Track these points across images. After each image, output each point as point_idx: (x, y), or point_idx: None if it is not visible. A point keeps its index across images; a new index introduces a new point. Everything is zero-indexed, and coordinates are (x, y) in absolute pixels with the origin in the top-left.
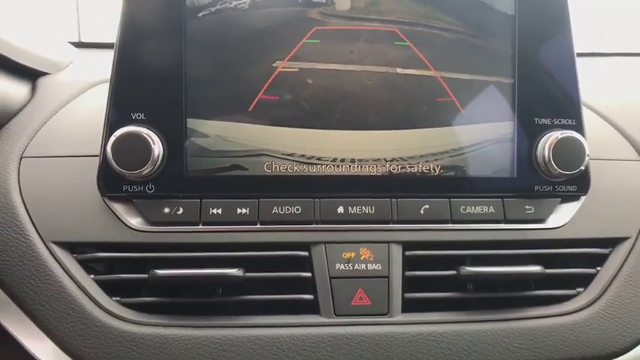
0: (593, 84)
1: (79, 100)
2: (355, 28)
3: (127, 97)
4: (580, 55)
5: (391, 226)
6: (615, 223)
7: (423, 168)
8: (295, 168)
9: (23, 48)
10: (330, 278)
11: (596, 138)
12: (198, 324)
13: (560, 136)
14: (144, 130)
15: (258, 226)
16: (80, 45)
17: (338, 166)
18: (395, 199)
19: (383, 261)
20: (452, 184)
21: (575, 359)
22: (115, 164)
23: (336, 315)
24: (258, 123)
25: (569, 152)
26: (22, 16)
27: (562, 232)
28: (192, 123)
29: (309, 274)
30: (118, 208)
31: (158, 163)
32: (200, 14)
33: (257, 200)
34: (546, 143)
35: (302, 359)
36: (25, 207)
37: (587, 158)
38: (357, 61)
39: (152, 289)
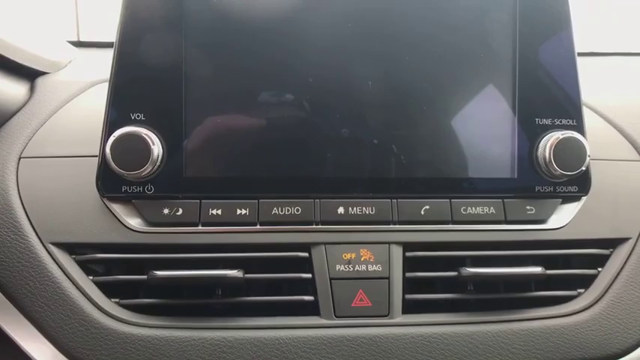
0: (593, 83)
1: (78, 100)
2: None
3: (127, 97)
4: (580, 54)
5: (391, 226)
6: (616, 223)
7: (424, 168)
8: (296, 168)
9: (22, 47)
10: (331, 279)
11: (596, 138)
12: (197, 325)
13: (561, 137)
14: (143, 131)
15: (258, 226)
16: (79, 44)
17: (338, 167)
18: (395, 200)
19: (383, 262)
20: (452, 184)
21: None
22: (114, 165)
23: (337, 316)
24: (258, 122)
25: (570, 153)
26: (21, 15)
27: (563, 233)
28: (192, 123)
29: (309, 276)
30: (117, 208)
31: (157, 163)
32: (199, 15)
33: (257, 201)
34: (547, 143)
35: None
36: (24, 208)
37: (588, 159)
38: (359, 58)
39: (151, 291)
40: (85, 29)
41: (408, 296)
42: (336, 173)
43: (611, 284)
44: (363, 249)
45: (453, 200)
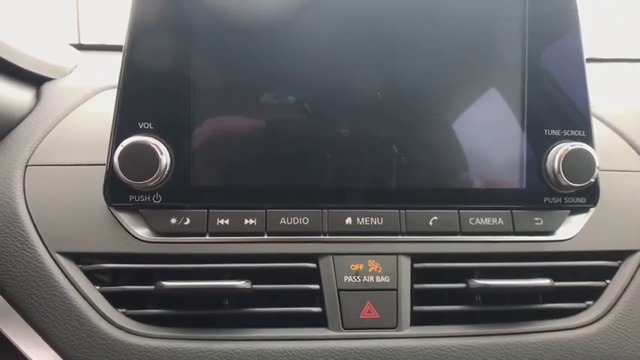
0: (599, 91)
1: (85, 106)
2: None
3: (135, 106)
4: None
5: (399, 237)
6: (625, 235)
7: (432, 179)
8: (303, 178)
9: (27, 53)
10: (339, 290)
11: (604, 148)
12: (204, 337)
13: (570, 148)
14: (151, 140)
15: (266, 237)
16: (80, 47)
17: (346, 177)
18: (403, 211)
19: (391, 273)
20: (461, 195)
21: None
22: (121, 174)
23: (345, 328)
24: (266, 131)
25: (579, 164)
26: (25, 21)
27: (571, 245)
28: (200, 133)
29: (317, 287)
30: (124, 218)
31: (165, 173)
32: (207, 25)
33: (264, 211)
34: (556, 155)
35: None
36: (30, 216)
37: (597, 170)
38: (367, 69)
39: (158, 301)
40: (85, 29)
41: (416, 308)
42: (344, 183)
43: (619, 296)
44: (371, 260)
45: (461, 211)
